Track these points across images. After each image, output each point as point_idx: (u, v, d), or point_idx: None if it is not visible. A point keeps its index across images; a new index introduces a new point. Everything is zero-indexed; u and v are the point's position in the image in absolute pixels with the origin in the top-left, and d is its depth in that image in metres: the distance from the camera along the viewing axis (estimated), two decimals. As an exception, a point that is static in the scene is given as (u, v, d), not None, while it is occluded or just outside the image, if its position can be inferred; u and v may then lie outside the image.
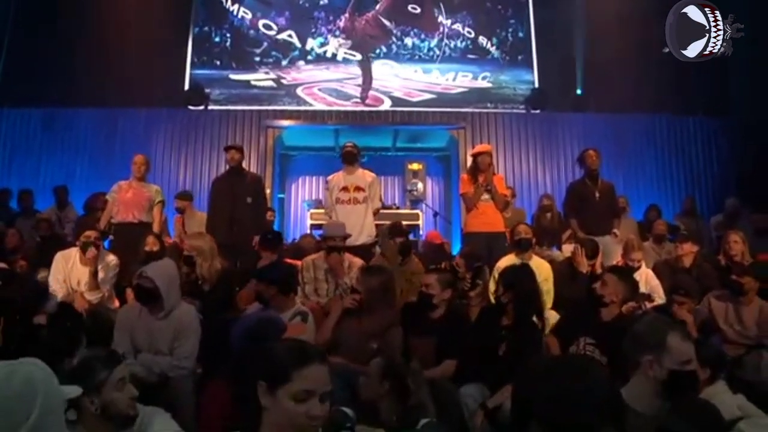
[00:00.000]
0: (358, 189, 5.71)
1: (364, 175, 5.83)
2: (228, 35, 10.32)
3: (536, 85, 10.27)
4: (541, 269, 4.87)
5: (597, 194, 5.86)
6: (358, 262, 4.65)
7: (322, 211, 8.65)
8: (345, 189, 5.72)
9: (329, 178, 5.97)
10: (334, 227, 4.87)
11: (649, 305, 4.42)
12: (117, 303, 4.71)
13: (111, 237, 5.98)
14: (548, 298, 4.82)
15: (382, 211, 6.35)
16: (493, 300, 4.25)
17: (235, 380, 2.92)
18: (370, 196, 5.74)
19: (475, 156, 5.74)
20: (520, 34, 10.47)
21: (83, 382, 2.08)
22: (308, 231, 8.12)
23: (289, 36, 10.27)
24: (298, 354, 1.61)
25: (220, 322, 3.73)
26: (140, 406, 2.27)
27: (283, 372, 1.56)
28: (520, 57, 10.41)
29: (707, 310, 4.20)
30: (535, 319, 3.65)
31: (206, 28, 10.36)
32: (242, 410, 2.72)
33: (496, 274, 4.66)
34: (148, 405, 2.35)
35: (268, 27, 10.29)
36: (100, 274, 4.66)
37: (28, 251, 6.16)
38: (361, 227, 5.45)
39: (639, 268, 5.02)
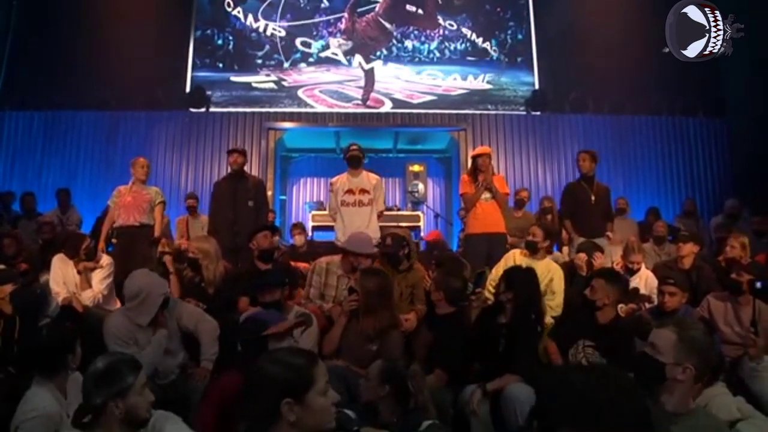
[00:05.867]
0: (363, 191, 5.73)
1: (368, 178, 5.85)
2: (230, 38, 10.37)
3: (536, 86, 10.30)
4: (552, 271, 4.80)
5: (592, 197, 5.88)
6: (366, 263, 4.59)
7: (324, 212, 8.71)
8: (350, 191, 5.73)
9: (333, 180, 5.97)
10: (360, 243, 4.48)
11: (648, 306, 4.43)
12: (118, 304, 4.73)
13: (114, 241, 5.99)
14: (559, 300, 4.78)
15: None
16: (492, 299, 4.27)
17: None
18: (375, 198, 5.75)
19: (474, 158, 5.75)
20: (519, 36, 10.50)
21: (111, 386, 2.12)
22: (310, 234, 8.07)
23: (291, 38, 10.30)
24: (308, 355, 1.75)
25: (225, 325, 3.75)
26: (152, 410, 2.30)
27: (308, 376, 1.65)
28: (519, 59, 10.44)
29: (706, 310, 4.21)
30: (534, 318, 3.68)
31: (208, 31, 10.40)
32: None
33: (495, 272, 4.66)
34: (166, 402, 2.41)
35: (269, 30, 10.32)
36: (96, 274, 4.71)
37: (31, 254, 6.17)
38: (366, 230, 5.38)
39: (638, 270, 5.03)
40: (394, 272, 4.32)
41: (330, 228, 7.81)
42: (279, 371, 1.66)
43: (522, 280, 3.70)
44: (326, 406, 1.67)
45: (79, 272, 4.66)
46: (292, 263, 5.67)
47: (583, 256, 4.88)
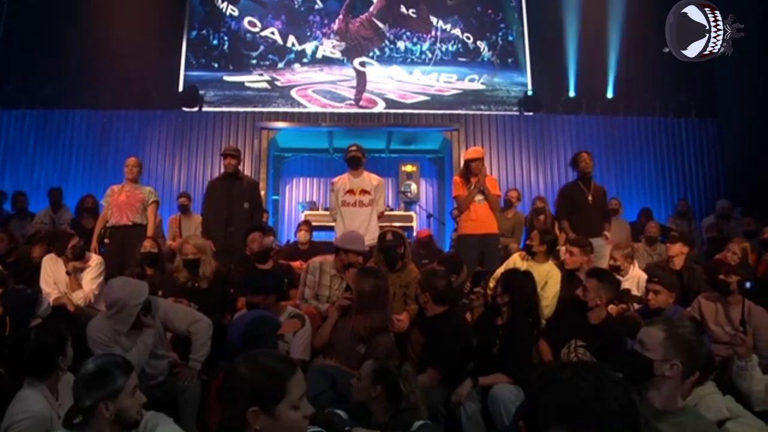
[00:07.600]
0: (363, 192, 5.74)
1: (369, 179, 5.85)
2: (225, 38, 10.34)
3: (529, 87, 10.32)
4: (548, 275, 4.75)
5: (590, 197, 5.88)
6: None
7: (316, 212, 8.70)
8: (351, 192, 5.74)
9: (334, 180, 5.97)
10: (353, 240, 4.51)
11: (637, 306, 4.46)
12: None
13: (106, 240, 5.97)
14: (547, 303, 4.77)
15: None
16: (489, 300, 4.28)
17: None
18: (375, 199, 5.76)
19: (467, 161, 5.73)
20: (510, 38, 10.53)
21: (102, 389, 2.13)
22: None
23: (285, 39, 10.29)
24: (285, 365, 1.63)
25: (217, 323, 3.75)
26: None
27: (281, 387, 1.56)
28: (510, 60, 10.47)
29: (697, 311, 4.24)
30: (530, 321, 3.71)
31: (204, 31, 10.37)
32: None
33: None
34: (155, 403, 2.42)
35: (264, 30, 10.31)
36: (86, 274, 4.73)
37: (23, 254, 6.13)
38: (366, 230, 5.40)
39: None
40: (388, 272, 4.33)
41: (322, 228, 7.83)
42: (251, 376, 1.57)
43: (519, 284, 3.72)
44: (296, 420, 1.58)
45: (68, 272, 4.65)
46: (291, 263, 5.67)
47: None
